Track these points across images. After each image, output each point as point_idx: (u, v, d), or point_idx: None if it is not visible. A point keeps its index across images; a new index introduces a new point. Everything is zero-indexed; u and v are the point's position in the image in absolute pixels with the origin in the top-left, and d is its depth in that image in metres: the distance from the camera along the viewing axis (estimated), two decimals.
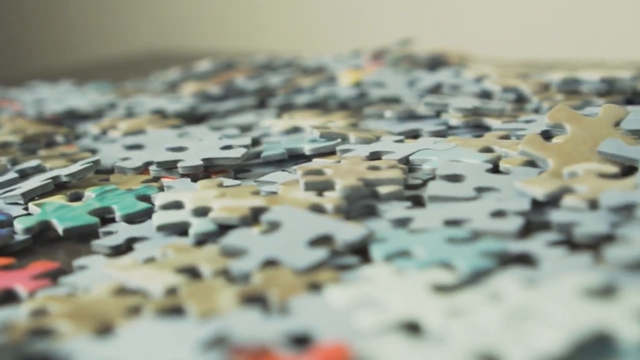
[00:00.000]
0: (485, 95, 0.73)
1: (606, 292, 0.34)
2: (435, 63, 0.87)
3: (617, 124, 0.52)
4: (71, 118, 0.82)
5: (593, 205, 0.44)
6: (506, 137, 0.59)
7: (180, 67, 1.00)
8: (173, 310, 0.38)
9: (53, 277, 0.45)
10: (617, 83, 0.69)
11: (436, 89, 0.77)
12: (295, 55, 0.99)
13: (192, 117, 0.79)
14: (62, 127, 0.77)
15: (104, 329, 0.37)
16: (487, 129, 0.64)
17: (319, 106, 0.80)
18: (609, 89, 0.69)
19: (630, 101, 0.67)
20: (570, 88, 0.70)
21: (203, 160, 0.59)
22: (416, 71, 0.84)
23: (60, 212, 0.53)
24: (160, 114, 0.79)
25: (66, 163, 0.63)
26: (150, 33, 1.85)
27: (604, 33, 1.20)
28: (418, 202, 0.50)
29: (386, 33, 1.06)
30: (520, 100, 0.72)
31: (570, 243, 0.42)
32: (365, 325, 0.34)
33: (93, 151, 0.69)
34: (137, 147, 0.67)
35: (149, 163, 0.61)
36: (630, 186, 0.45)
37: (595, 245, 0.41)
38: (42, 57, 1.99)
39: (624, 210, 0.42)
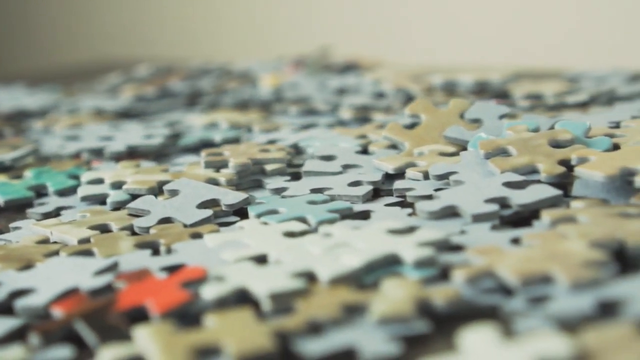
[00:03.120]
0: (380, 95, 0.84)
1: (407, 231, 0.45)
2: (348, 68, 0.99)
3: (462, 114, 0.64)
4: (20, 116, 0.92)
5: (426, 175, 0.55)
6: (382, 127, 0.70)
7: (121, 71, 1.10)
8: (83, 253, 0.49)
9: None
10: (488, 84, 0.81)
11: (341, 90, 0.88)
12: (227, 60, 1.10)
13: (127, 115, 0.89)
14: (10, 123, 0.87)
15: (27, 266, 0.47)
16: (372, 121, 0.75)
17: (242, 106, 0.91)
18: (481, 89, 0.80)
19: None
20: (450, 88, 0.81)
21: (127, 146, 0.70)
22: (327, 75, 0.95)
23: (2, 188, 0.63)
24: (98, 112, 0.89)
25: (10, 151, 0.73)
26: (100, 42, 1.98)
27: (493, 40, 1.35)
28: (297, 176, 0.61)
29: (310, 40, 1.17)
30: (411, 99, 0.83)
31: (404, 203, 0.53)
32: (227, 258, 0.45)
33: (36, 143, 0.79)
34: (74, 138, 0.78)
35: (82, 150, 0.72)
36: (456, 161, 0.56)
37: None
38: None
39: (445, 178, 0.53)
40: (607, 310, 0.36)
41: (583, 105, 0.72)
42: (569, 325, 0.35)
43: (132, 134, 0.74)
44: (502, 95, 0.79)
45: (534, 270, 0.38)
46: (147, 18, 1.93)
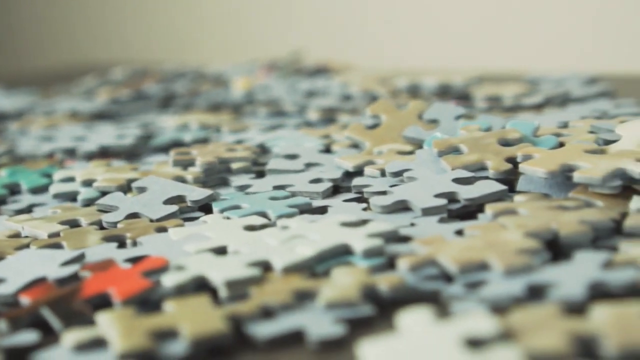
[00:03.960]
0: (347, 97, 0.87)
1: (359, 224, 0.48)
2: (318, 72, 1.01)
3: (421, 115, 0.67)
4: None
5: (383, 173, 0.58)
6: (345, 127, 0.73)
7: (97, 74, 1.13)
8: (52, 246, 0.51)
9: None
10: (451, 87, 0.84)
11: (310, 93, 0.91)
12: (201, 63, 1.13)
13: (102, 116, 0.92)
14: None
15: None
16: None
17: (215, 108, 0.93)
18: (444, 92, 0.83)
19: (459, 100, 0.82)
20: (414, 91, 0.84)
21: (99, 146, 0.72)
22: (298, 78, 0.98)
23: None
24: (74, 114, 0.91)
25: None
26: (78, 46, 2.00)
27: (461, 44, 1.40)
28: (261, 174, 0.64)
29: (283, 44, 1.20)
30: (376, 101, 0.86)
31: (361, 199, 0.56)
32: (189, 250, 0.48)
33: (12, 143, 0.81)
34: (49, 139, 0.80)
35: (56, 150, 0.74)
36: (411, 159, 0.59)
37: None
38: None
39: (400, 175, 0.56)
40: (536, 293, 0.39)
41: (538, 107, 0.76)
42: (501, 307, 0.38)
43: (105, 134, 0.76)
44: (463, 97, 0.82)
45: (471, 258, 0.41)
46: (124, 22, 1.96)
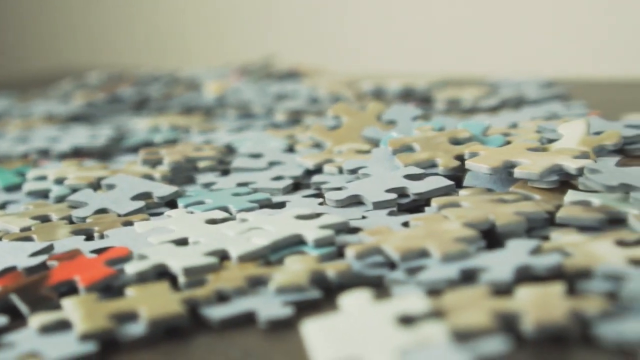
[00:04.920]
0: (315, 100, 0.90)
1: (313, 217, 0.51)
2: (288, 75, 1.04)
3: (380, 116, 0.70)
4: None
5: (341, 170, 0.61)
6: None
7: (73, 78, 1.15)
8: (23, 239, 0.54)
9: None
10: (414, 90, 0.87)
11: (280, 96, 0.94)
12: (177, 67, 1.16)
13: (77, 119, 0.94)
14: None
15: None
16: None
17: (187, 111, 0.96)
18: (407, 95, 0.87)
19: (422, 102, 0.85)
20: (378, 94, 0.87)
21: (72, 147, 0.75)
22: (268, 81, 1.01)
23: None
24: (49, 117, 0.94)
25: None
26: (58, 51, 2.03)
27: (430, 50, 1.44)
28: (226, 172, 0.66)
29: (255, 49, 1.23)
30: None
31: (319, 195, 0.59)
32: (152, 241, 0.50)
33: None
34: (24, 140, 0.82)
35: (30, 150, 0.77)
36: (368, 157, 0.62)
37: None
38: None
39: (356, 172, 0.59)
40: (469, 277, 0.42)
41: (495, 109, 0.79)
42: (436, 289, 0.41)
43: (78, 135, 0.79)
44: (425, 99, 0.86)
45: (412, 246, 0.44)
46: (101, 28, 2.00)
